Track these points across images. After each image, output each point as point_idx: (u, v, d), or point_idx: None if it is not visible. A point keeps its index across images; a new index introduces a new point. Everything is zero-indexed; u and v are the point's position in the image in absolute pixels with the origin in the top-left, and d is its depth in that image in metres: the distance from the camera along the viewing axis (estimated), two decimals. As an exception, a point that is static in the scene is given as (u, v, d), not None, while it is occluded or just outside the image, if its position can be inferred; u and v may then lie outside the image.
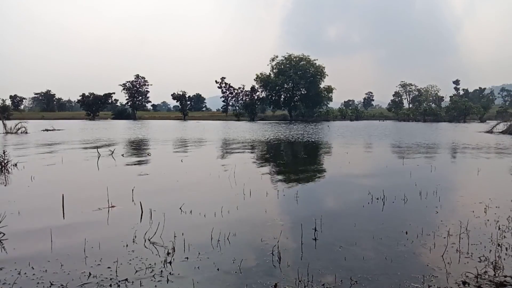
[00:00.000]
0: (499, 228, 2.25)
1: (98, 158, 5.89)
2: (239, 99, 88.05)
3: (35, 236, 2.16)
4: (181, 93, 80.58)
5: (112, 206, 2.77)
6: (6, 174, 4.36)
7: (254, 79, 76.95)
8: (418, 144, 9.81)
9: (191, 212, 2.62)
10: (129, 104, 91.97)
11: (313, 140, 11.64)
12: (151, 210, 2.62)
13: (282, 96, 73.25)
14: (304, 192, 3.29)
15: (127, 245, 1.96)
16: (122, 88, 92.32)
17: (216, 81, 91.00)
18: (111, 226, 2.37)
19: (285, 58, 73.79)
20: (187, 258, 1.81)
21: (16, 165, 4.85)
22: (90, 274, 1.62)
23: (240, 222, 2.42)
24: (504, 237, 2.10)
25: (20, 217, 2.53)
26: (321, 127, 23.75)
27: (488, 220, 2.43)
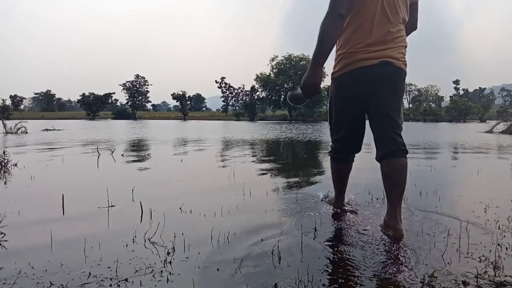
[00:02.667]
0: (499, 228, 2.25)
1: (98, 158, 5.89)
2: (239, 99, 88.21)
3: (35, 236, 2.16)
4: (181, 93, 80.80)
5: (112, 206, 2.76)
6: (6, 174, 4.36)
7: (254, 79, 77.21)
8: (418, 144, 9.81)
9: (191, 212, 2.62)
10: (129, 104, 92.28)
11: (313, 140, 11.64)
12: (151, 210, 2.61)
13: (282, 96, 73.36)
14: (304, 192, 3.29)
15: (127, 245, 1.96)
16: (122, 88, 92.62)
17: (216, 81, 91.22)
18: (111, 226, 2.37)
19: (285, 58, 73.96)
20: (187, 258, 1.80)
21: (16, 165, 4.85)
22: (90, 274, 1.62)
23: (240, 222, 2.42)
24: (504, 237, 2.10)
25: (20, 217, 2.52)
26: (321, 127, 23.75)
27: (488, 220, 2.43)
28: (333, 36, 2.04)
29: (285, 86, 70.00)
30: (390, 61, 2.01)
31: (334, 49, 2.16)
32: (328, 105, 2.34)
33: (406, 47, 2.12)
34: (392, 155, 2.05)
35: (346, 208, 2.56)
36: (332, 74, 2.21)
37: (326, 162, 5.62)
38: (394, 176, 2.03)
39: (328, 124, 2.40)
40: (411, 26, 2.29)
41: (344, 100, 2.20)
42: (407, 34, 2.25)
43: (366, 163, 5.66)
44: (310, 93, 2.14)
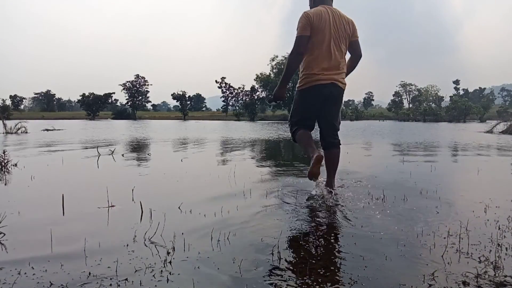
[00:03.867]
0: (499, 228, 2.25)
1: (98, 158, 5.89)
2: (239, 99, 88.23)
3: (35, 236, 2.16)
4: (181, 93, 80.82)
5: (112, 206, 2.76)
6: (6, 174, 4.36)
7: (254, 79, 77.20)
8: (418, 144, 9.81)
9: (191, 212, 2.62)
10: (129, 104, 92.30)
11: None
12: (151, 210, 2.61)
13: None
14: (304, 192, 3.29)
15: (127, 245, 1.96)
16: (122, 88, 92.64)
17: (216, 81, 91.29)
18: (111, 226, 2.37)
19: (285, 58, 74.02)
20: (187, 258, 1.80)
21: (16, 165, 4.85)
22: (90, 274, 1.62)
23: (240, 222, 2.42)
24: (504, 237, 2.10)
25: (20, 217, 2.53)
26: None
27: (488, 220, 2.43)
28: (295, 67, 3.09)
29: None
30: (336, 83, 3.08)
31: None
32: (298, 103, 3.26)
33: (345, 72, 3.19)
34: (333, 146, 3.24)
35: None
36: (298, 87, 3.20)
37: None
38: (333, 160, 3.23)
39: (290, 121, 3.34)
40: (356, 56, 3.28)
41: (308, 103, 3.18)
42: (356, 62, 3.31)
43: (366, 162, 5.68)
44: (277, 100, 3.29)
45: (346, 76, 3.23)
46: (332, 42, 3.03)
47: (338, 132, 3.29)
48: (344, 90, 3.18)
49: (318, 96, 3.09)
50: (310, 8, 3.20)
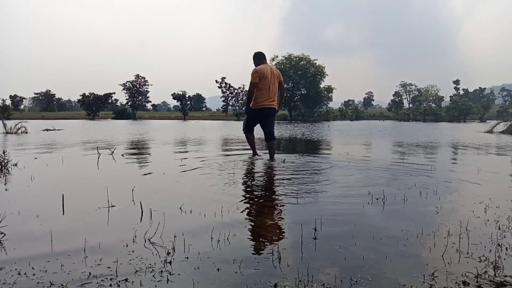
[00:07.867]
0: (499, 228, 2.25)
1: (98, 158, 5.89)
2: (239, 99, 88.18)
3: (35, 236, 2.16)
4: (181, 93, 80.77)
5: (112, 206, 2.76)
6: (6, 174, 4.36)
7: (254, 79, 76.39)
8: (418, 143, 9.81)
9: (191, 212, 2.62)
10: (129, 104, 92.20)
11: (313, 139, 11.64)
12: (151, 210, 2.62)
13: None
14: (304, 191, 3.29)
15: (127, 245, 1.96)
16: (122, 88, 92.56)
17: (216, 80, 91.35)
18: (111, 226, 2.38)
19: (285, 58, 73.83)
20: (187, 258, 1.81)
21: (16, 165, 4.85)
22: (90, 274, 1.62)
23: (240, 222, 2.42)
24: (504, 237, 2.10)
25: (20, 217, 2.53)
26: (321, 127, 23.75)
27: (488, 220, 2.43)
28: (250, 97, 5.71)
29: (285, 86, 69.94)
30: (273, 107, 5.72)
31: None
32: (251, 117, 5.88)
33: (277, 100, 5.82)
34: (271, 140, 5.72)
35: (259, 156, 5.94)
36: (252, 106, 5.74)
37: (326, 162, 5.63)
38: (271, 147, 5.67)
39: (244, 125, 5.97)
40: (281, 89, 5.90)
41: (256, 118, 5.84)
42: (282, 93, 5.94)
43: (366, 161, 5.67)
44: (247, 112, 5.92)
45: (280, 102, 5.90)
46: (271, 84, 5.62)
47: (275, 132, 5.85)
48: (276, 110, 5.76)
49: (263, 113, 5.72)
50: (256, 65, 5.70)
